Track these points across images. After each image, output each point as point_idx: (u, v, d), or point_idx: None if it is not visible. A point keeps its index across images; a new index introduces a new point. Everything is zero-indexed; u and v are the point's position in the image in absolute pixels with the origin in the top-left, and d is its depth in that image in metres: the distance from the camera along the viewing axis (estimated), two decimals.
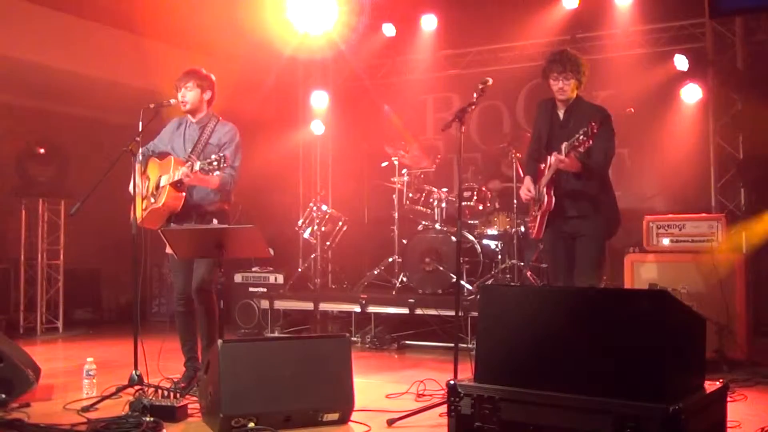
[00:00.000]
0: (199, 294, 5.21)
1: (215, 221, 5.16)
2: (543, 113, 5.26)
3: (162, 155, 5.38)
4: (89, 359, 5.10)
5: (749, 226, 6.97)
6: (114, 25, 8.46)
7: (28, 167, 8.87)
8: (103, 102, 9.58)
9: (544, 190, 5.02)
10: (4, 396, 4.55)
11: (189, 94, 5.28)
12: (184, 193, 5.14)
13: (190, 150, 5.25)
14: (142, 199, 5.25)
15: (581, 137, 4.61)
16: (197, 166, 4.90)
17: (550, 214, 5.03)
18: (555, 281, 5.28)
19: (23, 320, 8.78)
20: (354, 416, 4.36)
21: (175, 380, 5.25)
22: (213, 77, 5.39)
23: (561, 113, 5.13)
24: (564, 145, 4.78)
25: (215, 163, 4.78)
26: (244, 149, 5.42)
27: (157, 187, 5.22)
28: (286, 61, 9.56)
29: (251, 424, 3.99)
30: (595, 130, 4.55)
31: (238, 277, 8.63)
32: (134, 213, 5.15)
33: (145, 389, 4.84)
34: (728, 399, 3.81)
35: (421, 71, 9.85)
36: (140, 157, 5.23)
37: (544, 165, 5.13)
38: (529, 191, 5.20)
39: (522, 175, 7.75)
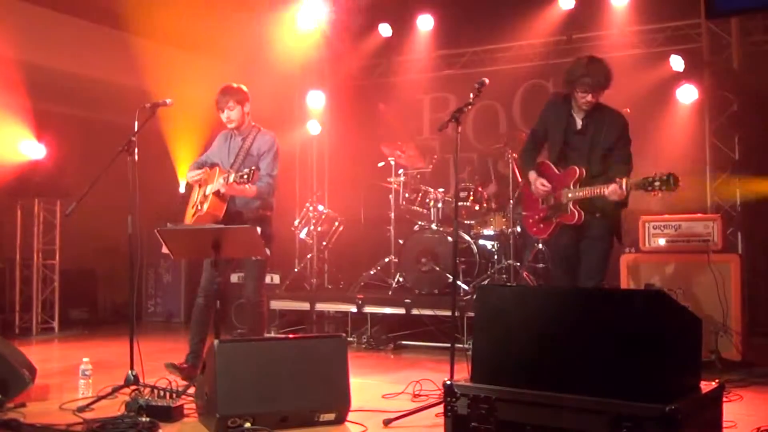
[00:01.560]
0: (249, 306, 5.59)
1: (259, 229, 5.20)
2: (555, 112, 5.21)
3: (213, 166, 5.65)
4: (85, 359, 5.10)
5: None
6: (109, 24, 8.45)
7: (24, 167, 8.84)
8: (98, 102, 9.56)
9: (570, 203, 5.02)
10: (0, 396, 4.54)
11: (233, 114, 5.53)
12: (225, 203, 5.39)
13: (232, 161, 5.53)
14: (191, 206, 5.62)
15: (657, 184, 4.62)
16: (231, 178, 5.13)
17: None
18: (557, 280, 5.31)
19: (19, 320, 8.75)
20: (350, 416, 4.35)
21: (177, 364, 5.36)
22: (245, 88, 5.61)
23: (579, 118, 5.09)
24: (625, 182, 4.75)
25: (245, 177, 4.99)
26: None
27: (205, 195, 5.47)
28: (282, 60, 9.56)
29: (247, 425, 3.99)
30: (678, 184, 4.61)
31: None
32: (190, 217, 5.31)
33: (141, 389, 4.84)
34: (724, 399, 3.81)
35: (417, 71, 9.86)
36: (195, 167, 5.69)
37: (559, 168, 5.12)
38: (545, 185, 5.13)
39: (519, 176, 7.83)
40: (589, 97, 4.98)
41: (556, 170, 5.16)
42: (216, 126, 5.95)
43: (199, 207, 5.49)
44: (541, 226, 5.23)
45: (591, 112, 5.06)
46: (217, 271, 4.86)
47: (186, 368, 5.38)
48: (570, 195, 5.03)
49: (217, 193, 5.34)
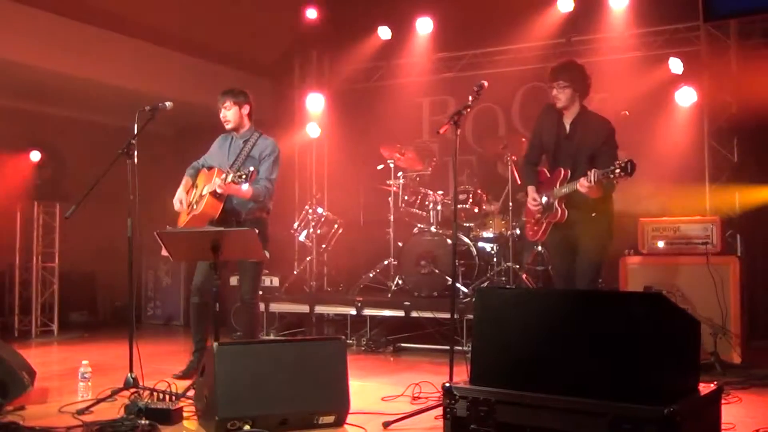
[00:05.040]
0: (246, 303, 5.66)
1: (256, 230, 5.22)
2: (547, 119, 5.36)
3: (211, 168, 5.71)
4: (84, 362, 5.10)
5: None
6: (108, 27, 8.46)
7: (23, 170, 8.85)
8: (97, 104, 9.57)
9: (556, 202, 5.18)
10: None
11: (229, 114, 5.61)
12: (222, 202, 5.42)
13: (231, 162, 5.56)
14: (187, 206, 5.64)
15: (618, 171, 4.69)
16: (229, 178, 5.15)
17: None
18: (558, 283, 5.41)
19: (18, 323, 8.76)
20: (349, 419, 4.35)
21: (175, 375, 5.35)
22: (247, 92, 5.68)
23: (567, 124, 5.24)
24: (594, 173, 4.83)
25: (243, 176, 5.02)
26: None
27: (201, 194, 5.52)
28: (282, 63, 9.58)
29: (247, 427, 3.99)
30: (633, 168, 4.66)
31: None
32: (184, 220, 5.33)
33: (141, 392, 4.84)
34: (723, 401, 3.82)
35: (416, 74, 9.86)
36: (191, 171, 5.76)
37: (549, 171, 5.29)
38: (536, 201, 5.34)
39: (518, 179, 7.85)
40: (554, 92, 5.18)
41: (548, 174, 5.35)
42: (215, 128, 5.95)
43: (194, 207, 5.53)
44: (536, 228, 5.38)
45: (578, 118, 5.22)
46: (216, 273, 4.84)
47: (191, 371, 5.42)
48: (555, 194, 5.20)
49: (213, 193, 5.38)
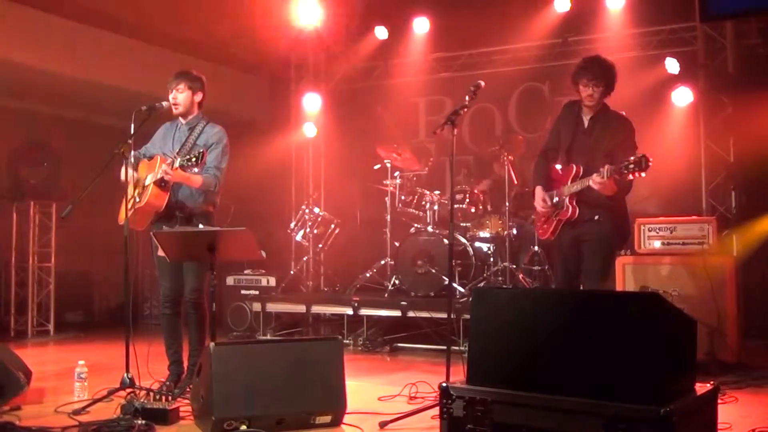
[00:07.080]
0: (190, 301, 5.25)
1: (200, 225, 5.15)
2: (568, 115, 5.25)
3: (152, 158, 5.38)
4: (80, 362, 5.10)
5: (741, 230, 7.02)
6: (104, 27, 8.45)
7: (19, 169, 8.84)
8: (94, 104, 9.56)
9: (567, 199, 5.05)
10: None
11: (180, 96, 5.29)
12: (167, 192, 5.13)
13: (177, 150, 5.26)
14: (129, 200, 5.24)
15: (631, 167, 4.58)
16: (177, 162, 4.94)
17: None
18: (561, 283, 5.30)
19: (14, 323, 8.74)
20: (346, 419, 4.35)
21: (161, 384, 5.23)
22: (204, 78, 5.41)
23: (586, 120, 5.14)
24: (607, 168, 4.73)
25: (194, 159, 4.82)
26: (236, 151, 5.44)
27: (144, 186, 5.23)
28: (278, 63, 9.57)
29: (243, 427, 3.99)
30: (648, 163, 4.52)
31: (230, 280, 8.62)
32: (125, 215, 5.15)
33: (137, 392, 4.83)
34: (719, 401, 3.83)
35: (413, 74, 9.87)
36: (132, 161, 5.24)
37: (561, 167, 5.17)
38: (545, 202, 5.20)
39: (515, 179, 7.85)
40: (590, 91, 5.02)
41: (560, 171, 5.22)
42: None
43: (137, 200, 5.16)
44: (545, 226, 5.25)
45: (598, 114, 5.09)
46: (213, 273, 4.83)
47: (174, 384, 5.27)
48: (566, 191, 5.08)
49: (158, 183, 5.06)
